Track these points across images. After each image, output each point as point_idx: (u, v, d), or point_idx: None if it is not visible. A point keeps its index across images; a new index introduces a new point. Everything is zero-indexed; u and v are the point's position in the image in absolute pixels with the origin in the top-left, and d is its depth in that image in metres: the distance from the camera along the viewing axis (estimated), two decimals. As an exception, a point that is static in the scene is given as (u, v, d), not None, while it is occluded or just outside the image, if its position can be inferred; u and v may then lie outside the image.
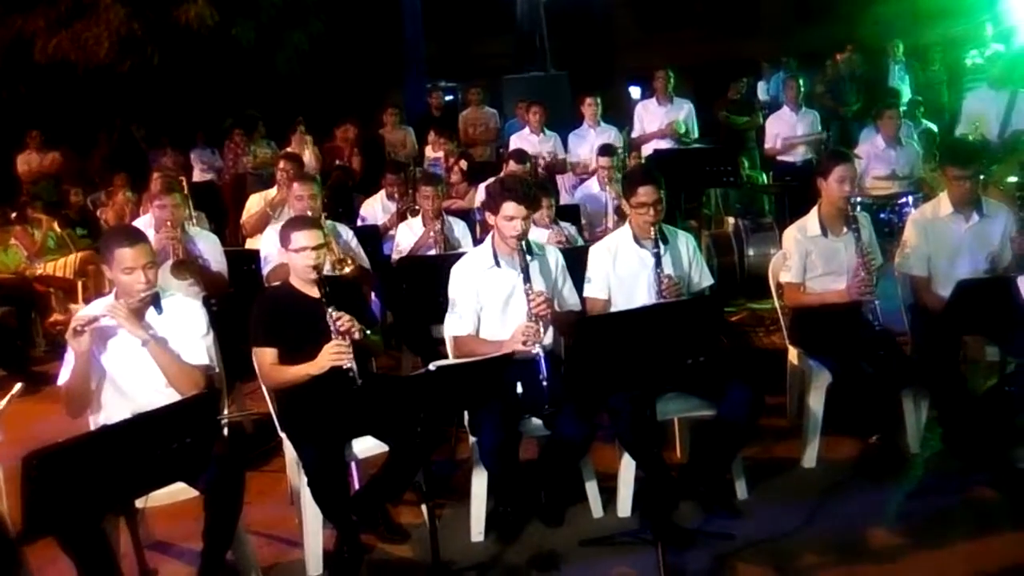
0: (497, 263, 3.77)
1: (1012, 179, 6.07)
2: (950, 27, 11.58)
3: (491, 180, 4.52)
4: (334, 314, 3.40)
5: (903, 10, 12.22)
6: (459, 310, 3.78)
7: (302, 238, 3.57)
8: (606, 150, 6.61)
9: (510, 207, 3.64)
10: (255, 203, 6.12)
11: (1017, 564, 3.20)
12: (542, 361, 3.45)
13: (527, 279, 3.58)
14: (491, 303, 3.77)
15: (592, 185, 6.63)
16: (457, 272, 3.82)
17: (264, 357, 3.56)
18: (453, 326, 3.81)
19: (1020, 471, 3.73)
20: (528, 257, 3.66)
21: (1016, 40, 9.62)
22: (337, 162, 8.78)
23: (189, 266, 4.70)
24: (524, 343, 3.50)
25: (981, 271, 4.06)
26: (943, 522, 3.47)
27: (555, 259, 3.90)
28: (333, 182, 8.17)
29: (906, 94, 9.61)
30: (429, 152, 8.95)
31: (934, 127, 8.25)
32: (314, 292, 3.51)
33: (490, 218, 3.77)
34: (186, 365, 3.32)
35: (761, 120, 9.00)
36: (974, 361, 3.96)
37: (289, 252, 3.62)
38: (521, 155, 6.63)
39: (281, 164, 6.27)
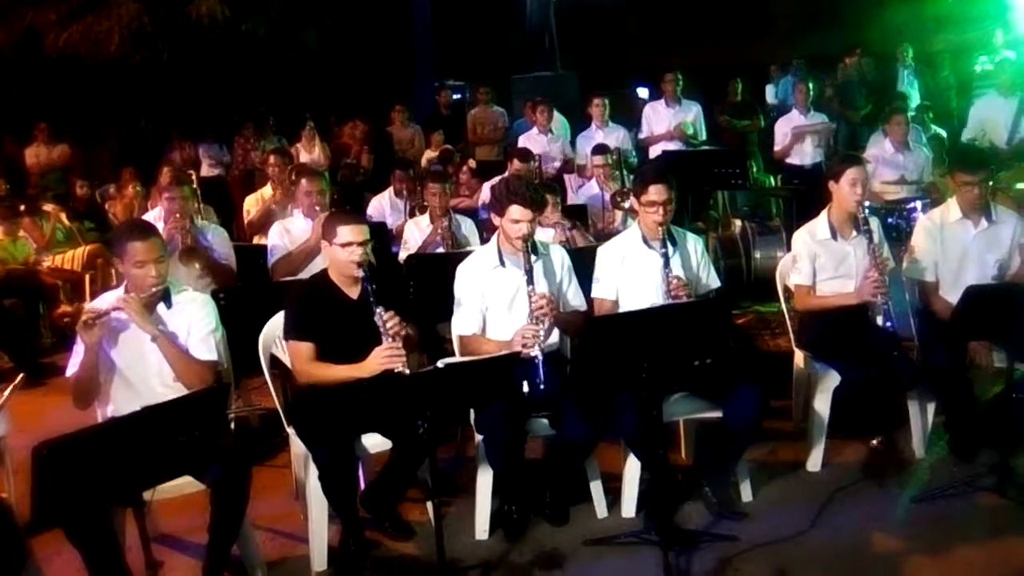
0: (502, 263, 3.76)
1: (1021, 185, 6.07)
2: (960, 33, 11.56)
3: (496, 181, 4.52)
4: (384, 315, 3.30)
5: (913, 15, 12.20)
6: (464, 309, 3.77)
7: (349, 232, 3.40)
8: (598, 150, 6.68)
9: (516, 210, 3.63)
10: (251, 204, 6.12)
11: (1022, 571, 3.20)
12: (540, 365, 3.44)
13: (530, 280, 3.57)
14: (496, 303, 3.77)
15: (594, 185, 6.66)
16: (462, 272, 3.82)
17: (301, 351, 3.47)
18: (459, 325, 3.81)
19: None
20: (533, 257, 3.65)
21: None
22: (345, 160, 8.81)
23: (197, 254, 4.72)
24: (524, 346, 3.49)
25: (989, 277, 4.05)
26: (948, 527, 3.47)
27: (561, 259, 3.90)
28: (342, 179, 8.21)
29: (915, 99, 9.58)
30: (428, 152, 9.00)
31: (943, 132, 8.23)
32: (353, 292, 3.45)
33: (496, 219, 3.77)
34: (194, 360, 3.32)
35: (762, 123, 8.97)
36: (981, 367, 3.94)
37: (333, 246, 3.45)
38: (525, 154, 6.66)
39: (271, 160, 6.30)
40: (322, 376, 3.44)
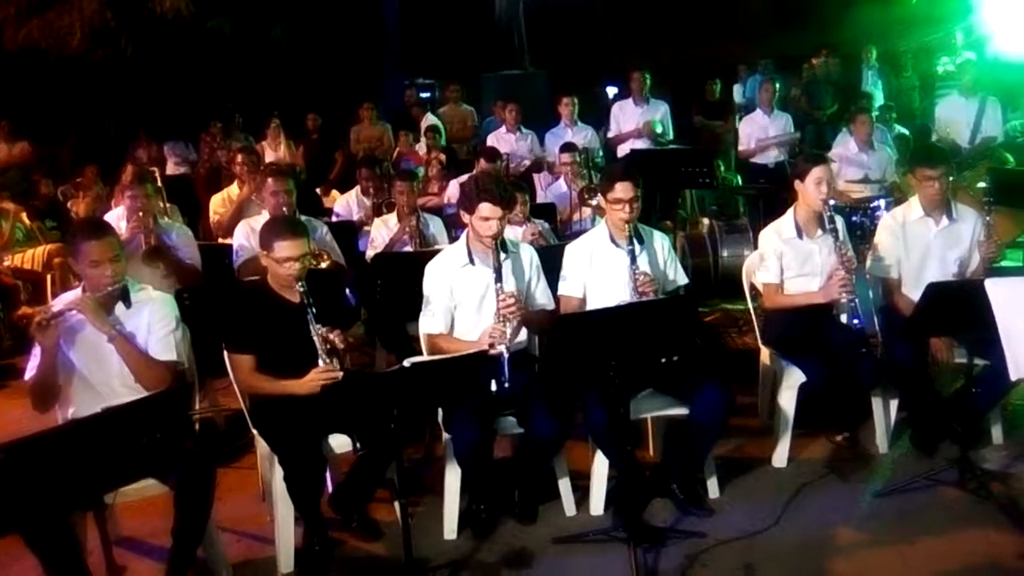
0: (472, 261, 3.75)
1: (981, 184, 6.17)
2: (923, 35, 11.74)
3: (466, 178, 4.51)
4: (321, 331, 3.29)
5: (878, 17, 12.37)
6: (432, 308, 3.76)
7: (286, 248, 3.37)
8: (566, 147, 6.72)
9: (486, 208, 3.62)
10: (218, 204, 6.04)
11: (982, 562, 3.25)
12: (505, 363, 3.43)
13: (499, 278, 3.56)
14: (465, 301, 3.75)
15: (562, 184, 6.68)
16: (431, 270, 3.80)
17: (241, 363, 3.47)
18: (426, 324, 3.79)
19: (986, 471, 3.79)
20: (503, 256, 3.65)
21: (987, 49, 9.78)
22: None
23: (161, 254, 4.65)
24: (491, 344, 3.48)
25: (950, 274, 4.11)
26: (911, 521, 3.52)
27: (530, 258, 3.90)
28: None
29: (878, 99, 9.72)
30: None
31: (907, 132, 8.36)
32: (293, 297, 3.42)
33: (465, 217, 3.75)
34: (152, 361, 3.27)
35: (737, 123, 9.05)
36: (942, 363, 4.01)
37: (270, 259, 3.45)
38: (492, 153, 6.67)
39: (239, 158, 6.21)
40: (261, 389, 3.45)
